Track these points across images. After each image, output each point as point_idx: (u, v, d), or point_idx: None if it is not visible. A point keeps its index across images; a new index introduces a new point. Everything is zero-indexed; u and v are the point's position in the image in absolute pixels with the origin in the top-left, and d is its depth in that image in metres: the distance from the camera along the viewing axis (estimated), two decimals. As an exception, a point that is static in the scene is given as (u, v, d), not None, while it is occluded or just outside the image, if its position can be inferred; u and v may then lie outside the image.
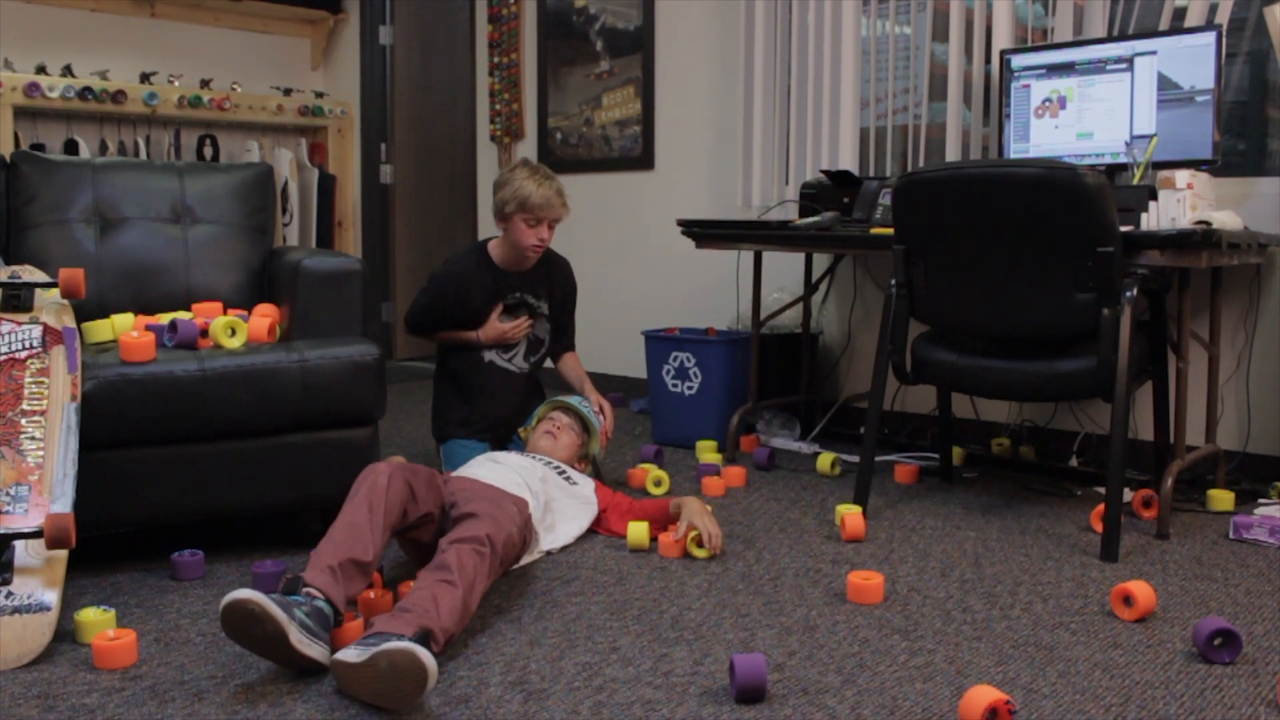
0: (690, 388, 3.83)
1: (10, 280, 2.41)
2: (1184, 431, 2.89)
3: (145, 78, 5.13)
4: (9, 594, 1.97)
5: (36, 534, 1.98)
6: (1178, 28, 3.18)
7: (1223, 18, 3.13)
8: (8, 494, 2.05)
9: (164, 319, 2.67)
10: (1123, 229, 2.62)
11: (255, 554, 2.55)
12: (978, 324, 2.81)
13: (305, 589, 1.88)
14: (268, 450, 2.49)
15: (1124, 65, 3.16)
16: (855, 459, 3.13)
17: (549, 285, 3.34)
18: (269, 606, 1.77)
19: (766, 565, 2.49)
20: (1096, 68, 3.21)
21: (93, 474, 2.25)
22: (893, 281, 2.90)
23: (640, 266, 4.72)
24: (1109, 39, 3.23)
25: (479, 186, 5.36)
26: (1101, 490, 2.97)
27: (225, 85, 5.43)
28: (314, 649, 1.83)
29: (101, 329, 2.68)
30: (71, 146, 4.91)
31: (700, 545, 2.53)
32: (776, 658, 1.95)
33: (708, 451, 3.64)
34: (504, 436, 3.25)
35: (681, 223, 3.74)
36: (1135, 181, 3.04)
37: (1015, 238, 2.65)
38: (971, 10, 3.70)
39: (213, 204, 3.05)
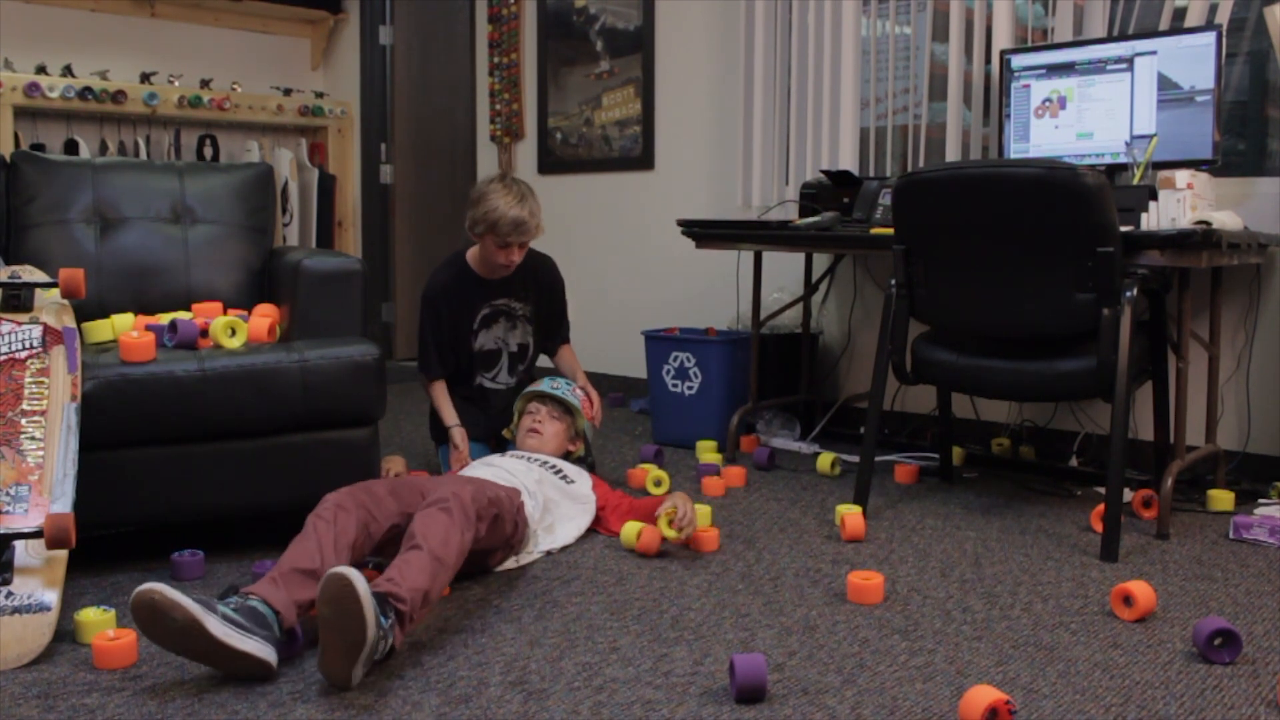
0: (690, 388, 3.83)
1: (10, 280, 2.41)
2: (1184, 431, 2.89)
3: (145, 78, 5.13)
4: (9, 594, 1.97)
5: (36, 534, 1.98)
6: (1178, 28, 3.18)
7: (1223, 18, 3.13)
8: (8, 494, 2.05)
9: (164, 319, 2.67)
10: (1123, 229, 2.62)
11: (255, 554, 2.55)
12: (978, 324, 2.81)
13: (236, 595, 1.85)
14: (268, 450, 2.49)
15: (1124, 65, 3.16)
16: (855, 459, 3.13)
17: (530, 289, 3.32)
18: (174, 595, 1.71)
19: (766, 565, 2.49)
20: (1096, 68, 3.21)
21: (93, 474, 2.25)
22: (893, 281, 2.90)
23: (640, 266, 4.72)
24: (1109, 39, 3.23)
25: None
26: (1101, 490, 2.97)
27: (225, 85, 5.43)
28: (247, 642, 1.77)
29: (101, 329, 2.68)
30: (71, 146, 4.91)
31: (671, 524, 2.50)
32: (776, 658, 1.95)
33: (708, 451, 3.64)
34: (503, 442, 3.24)
35: (681, 223, 3.74)
36: (1135, 181, 3.04)
37: (1015, 238, 2.65)
38: (971, 10, 3.70)
39: (213, 204, 3.05)
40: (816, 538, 2.72)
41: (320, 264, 2.79)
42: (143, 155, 5.11)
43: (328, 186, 5.66)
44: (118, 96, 4.94)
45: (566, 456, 2.97)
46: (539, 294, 3.36)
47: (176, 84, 5.21)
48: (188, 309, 2.83)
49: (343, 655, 1.75)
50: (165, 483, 2.40)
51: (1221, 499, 2.96)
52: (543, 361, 3.48)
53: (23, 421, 2.16)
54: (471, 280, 3.25)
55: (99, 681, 1.84)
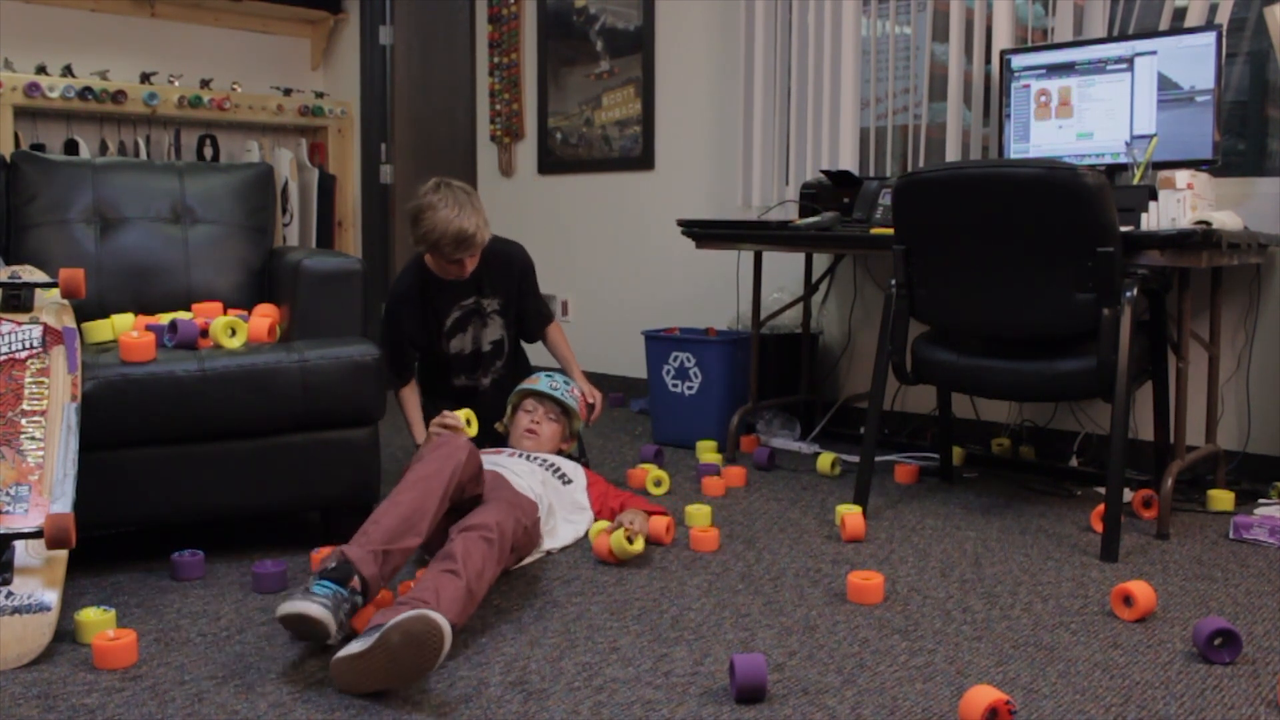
0: (690, 388, 3.83)
1: (10, 280, 2.41)
2: (1184, 431, 2.89)
3: (145, 78, 5.13)
4: (9, 594, 1.97)
5: (37, 534, 1.98)
6: (1178, 28, 3.18)
7: (1223, 18, 3.13)
8: (8, 494, 2.05)
9: (164, 319, 2.67)
10: (1123, 229, 2.62)
11: (255, 554, 2.55)
12: (978, 324, 2.81)
13: (350, 584, 1.90)
14: (268, 450, 2.49)
15: (1124, 65, 3.16)
16: (855, 459, 3.13)
17: (498, 282, 3.22)
18: (327, 625, 1.83)
19: (767, 565, 2.49)
20: (1096, 68, 3.21)
21: (93, 474, 2.25)
22: (893, 281, 2.90)
23: (640, 266, 4.72)
24: (1109, 39, 3.23)
25: (479, 187, 5.36)
26: (1101, 490, 2.97)
27: (225, 85, 5.43)
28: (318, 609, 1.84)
29: (101, 329, 2.68)
30: (72, 146, 4.91)
31: (630, 541, 2.45)
32: (776, 658, 1.95)
33: (708, 451, 3.64)
34: (497, 439, 3.18)
35: (681, 223, 3.74)
36: (1135, 181, 3.04)
37: (1015, 238, 2.65)
38: (971, 10, 3.70)
39: (213, 204, 3.05)
40: (816, 538, 2.72)
41: (320, 264, 2.79)
42: (143, 155, 5.11)
43: (328, 186, 5.65)
44: (118, 96, 4.94)
45: (558, 454, 2.97)
46: (507, 286, 3.24)
47: (176, 84, 5.21)
48: (188, 309, 2.83)
49: (380, 679, 1.76)
50: (165, 483, 2.40)
51: (1221, 499, 2.96)
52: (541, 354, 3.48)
53: (23, 421, 2.16)
54: (433, 285, 3.15)
55: (99, 681, 1.84)
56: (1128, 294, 2.57)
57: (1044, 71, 3.32)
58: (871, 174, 3.91)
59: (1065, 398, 2.93)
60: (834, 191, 3.65)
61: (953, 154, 3.72)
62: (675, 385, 3.87)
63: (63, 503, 2.06)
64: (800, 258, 4.00)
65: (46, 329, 2.33)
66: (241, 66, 5.61)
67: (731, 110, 4.33)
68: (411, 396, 3.22)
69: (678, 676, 1.87)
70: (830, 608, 2.21)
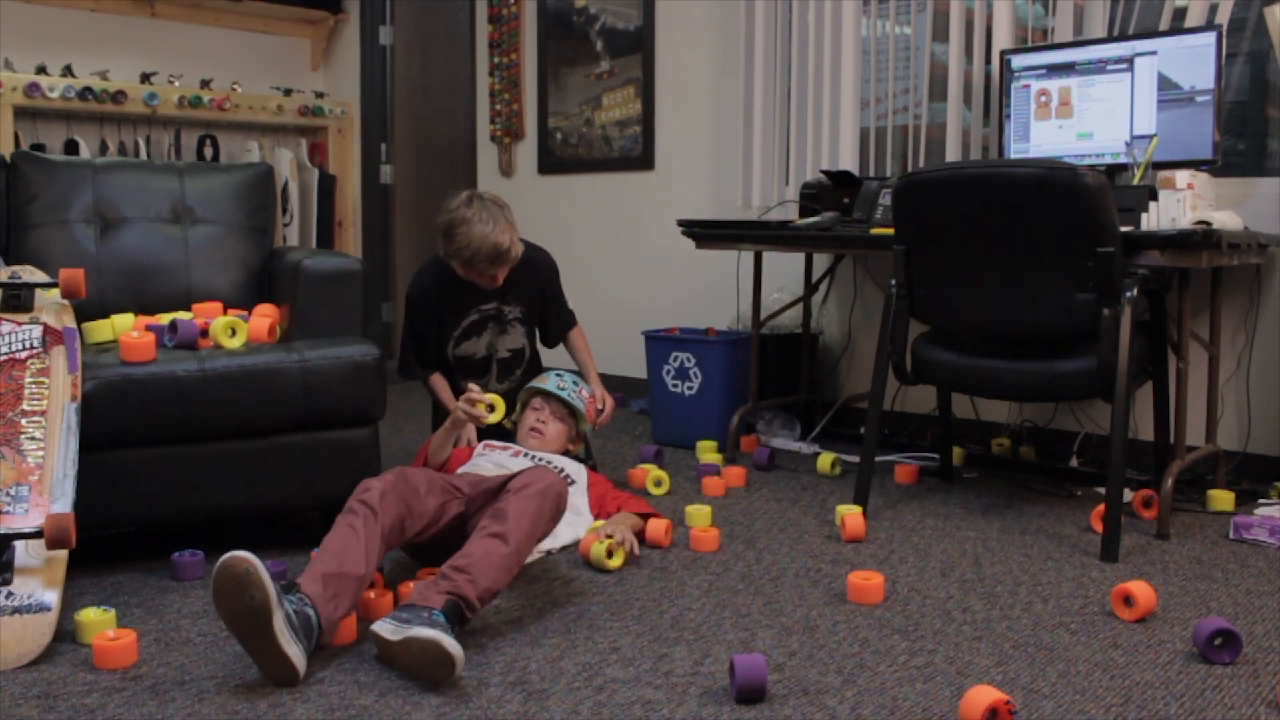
0: (690, 388, 3.83)
1: (10, 280, 2.41)
2: (1184, 432, 2.89)
3: (145, 78, 5.13)
4: (9, 594, 1.97)
5: (37, 534, 1.98)
6: (1178, 28, 3.18)
7: (1223, 18, 3.13)
8: (8, 494, 2.05)
9: (164, 319, 2.67)
10: (1123, 229, 2.62)
11: (255, 554, 2.54)
12: (978, 324, 2.81)
13: (299, 593, 1.86)
14: (268, 450, 2.49)
15: (1124, 65, 3.16)
16: (855, 459, 3.13)
17: (522, 290, 3.17)
18: (263, 574, 1.72)
19: (767, 565, 2.49)
20: (1097, 68, 3.21)
21: (93, 474, 2.25)
22: (893, 282, 2.90)
23: (640, 266, 4.72)
24: (1109, 39, 3.24)
25: (479, 187, 5.36)
26: (1101, 490, 2.97)
27: (225, 85, 5.43)
28: (292, 647, 1.78)
29: (102, 329, 2.68)
30: (72, 147, 4.91)
31: (610, 555, 2.42)
32: (777, 658, 1.95)
33: (708, 452, 3.64)
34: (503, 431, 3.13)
35: (682, 223, 3.74)
36: (1135, 182, 3.04)
37: (1015, 238, 2.65)
38: (971, 10, 3.70)
39: (213, 204, 3.05)
40: (817, 538, 2.72)
41: (320, 264, 2.79)
42: (143, 155, 5.11)
43: (328, 187, 5.65)
44: (118, 97, 4.94)
45: (564, 455, 2.97)
46: (532, 294, 3.20)
47: (176, 84, 5.21)
48: (188, 309, 2.83)
49: (402, 669, 1.86)
50: (165, 483, 2.40)
51: (1222, 499, 2.96)
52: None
53: (23, 421, 2.16)
54: (456, 284, 3.07)
55: (99, 682, 1.84)
56: (1128, 294, 2.57)
57: (1044, 71, 3.32)
58: (871, 174, 3.91)
59: (1065, 398, 2.92)
60: (834, 191, 3.65)
61: (953, 154, 3.72)
62: (675, 385, 3.87)
63: (63, 503, 2.06)
64: (800, 258, 4.00)
65: (47, 329, 2.33)
66: (242, 66, 5.61)
67: (731, 110, 4.33)
68: (440, 380, 3.16)
69: (678, 676, 1.87)
70: (830, 608, 2.21)
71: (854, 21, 3.92)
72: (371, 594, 2.14)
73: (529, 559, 2.49)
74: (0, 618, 1.93)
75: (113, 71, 5.08)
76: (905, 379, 2.98)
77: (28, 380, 2.23)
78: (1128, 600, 2.14)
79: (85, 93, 4.84)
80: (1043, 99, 3.33)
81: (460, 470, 2.68)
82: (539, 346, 3.37)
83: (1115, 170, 3.21)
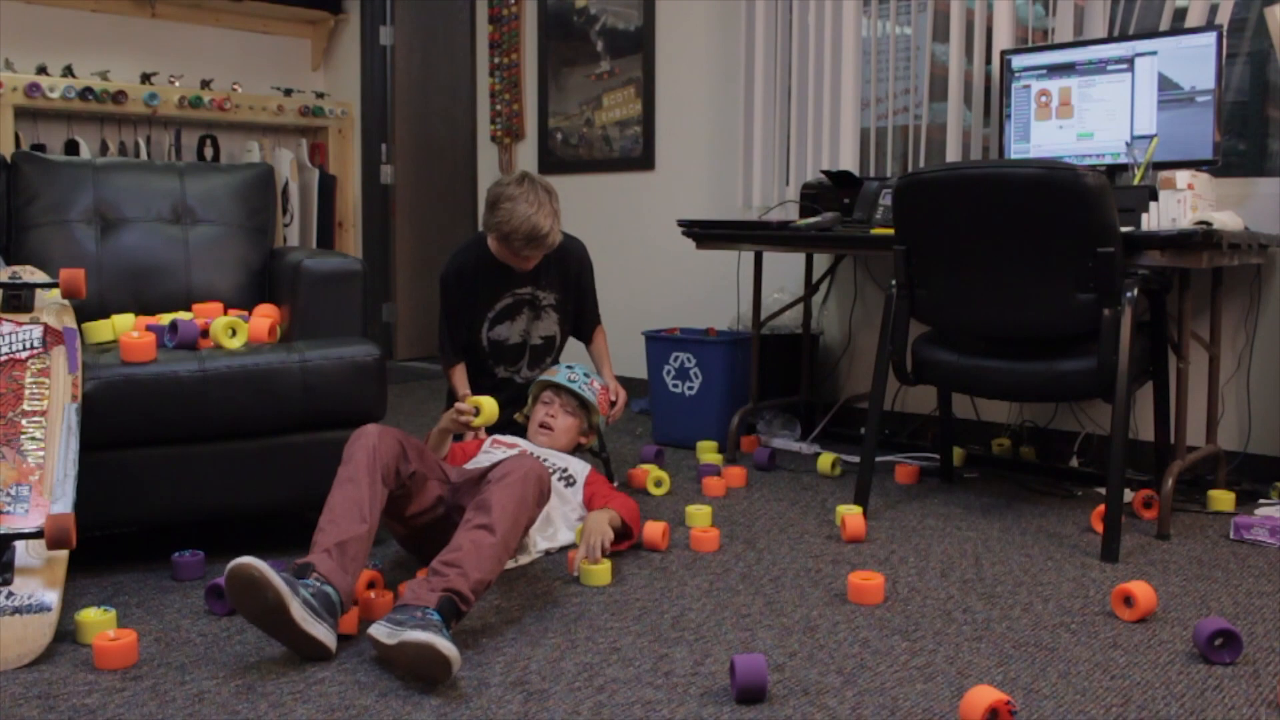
0: (691, 388, 3.83)
1: (11, 281, 2.41)
2: (1184, 432, 2.89)
3: (146, 78, 5.13)
4: (10, 594, 1.97)
5: (37, 534, 1.99)
6: (1178, 28, 3.18)
7: (1223, 18, 3.13)
8: (8, 494, 2.05)
9: (164, 319, 2.67)
10: (1123, 229, 2.62)
11: (255, 554, 2.54)
12: (978, 324, 2.81)
13: (314, 574, 1.93)
14: (268, 450, 2.49)
15: (1125, 66, 3.16)
16: (856, 459, 3.13)
17: (556, 277, 3.18)
18: (270, 575, 1.82)
19: (767, 565, 2.49)
20: (1097, 68, 3.21)
21: (93, 474, 2.25)
22: (893, 282, 2.90)
23: (640, 267, 4.72)
24: (1109, 39, 3.24)
25: (479, 187, 5.36)
26: (1102, 491, 2.97)
27: (226, 86, 5.43)
28: (318, 629, 1.87)
29: (102, 329, 2.68)
30: (72, 147, 4.91)
31: (595, 562, 2.40)
32: (777, 658, 1.95)
33: (708, 452, 3.64)
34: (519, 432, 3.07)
35: (682, 223, 3.74)
36: (1136, 182, 3.04)
37: (1016, 238, 2.65)
38: (972, 10, 3.70)
39: (213, 204, 3.05)
40: (817, 538, 2.72)
41: (320, 264, 2.79)
42: (143, 156, 5.11)
43: (328, 187, 5.66)
44: (118, 97, 4.94)
45: (577, 449, 2.93)
46: (565, 282, 3.21)
47: (177, 84, 5.21)
48: (188, 309, 2.83)
49: (399, 672, 1.87)
50: (165, 483, 2.40)
51: (1222, 499, 2.96)
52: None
53: (23, 422, 2.16)
54: (492, 265, 3.08)
55: (99, 682, 1.84)
56: (1128, 294, 2.56)
57: (1044, 72, 3.32)
58: (872, 174, 3.91)
59: (1066, 398, 2.93)
60: (834, 192, 3.65)
61: (953, 154, 3.72)
62: (676, 385, 3.87)
63: (63, 503, 2.06)
64: (801, 258, 4.00)
65: (47, 329, 2.33)
66: (242, 67, 5.61)
67: (732, 110, 4.33)
68: (460, 373, 3.15)
69: (678, 677, 1.87)
70: (831, 608, 2.21)
71: (854, 21, 3.92)
72: (372, 594, 2.14)
73: (527, 559, 2.49)
74: (0, 618, 1.93)
75: (113, 72, 5.08)
76: (905, 379, 2.98)
77: (28, 380, 2.23)
78: (1128, 600, 2.14)
79: (86, 93, 4.85)
80: (1043, 99, 3.34)
81: (467, 465, 2.67)
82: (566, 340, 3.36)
83: (1115, 170, 3.21)
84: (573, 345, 3.43)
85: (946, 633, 2.08)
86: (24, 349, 2.29)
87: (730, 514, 2.94)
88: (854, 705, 1.76)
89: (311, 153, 5.74)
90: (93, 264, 2.84)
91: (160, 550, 2.54)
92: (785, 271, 4.13)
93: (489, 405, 2.72)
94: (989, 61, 3.64)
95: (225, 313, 2.79)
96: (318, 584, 1.92)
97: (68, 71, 4.97)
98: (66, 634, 2.02)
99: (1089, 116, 3.24)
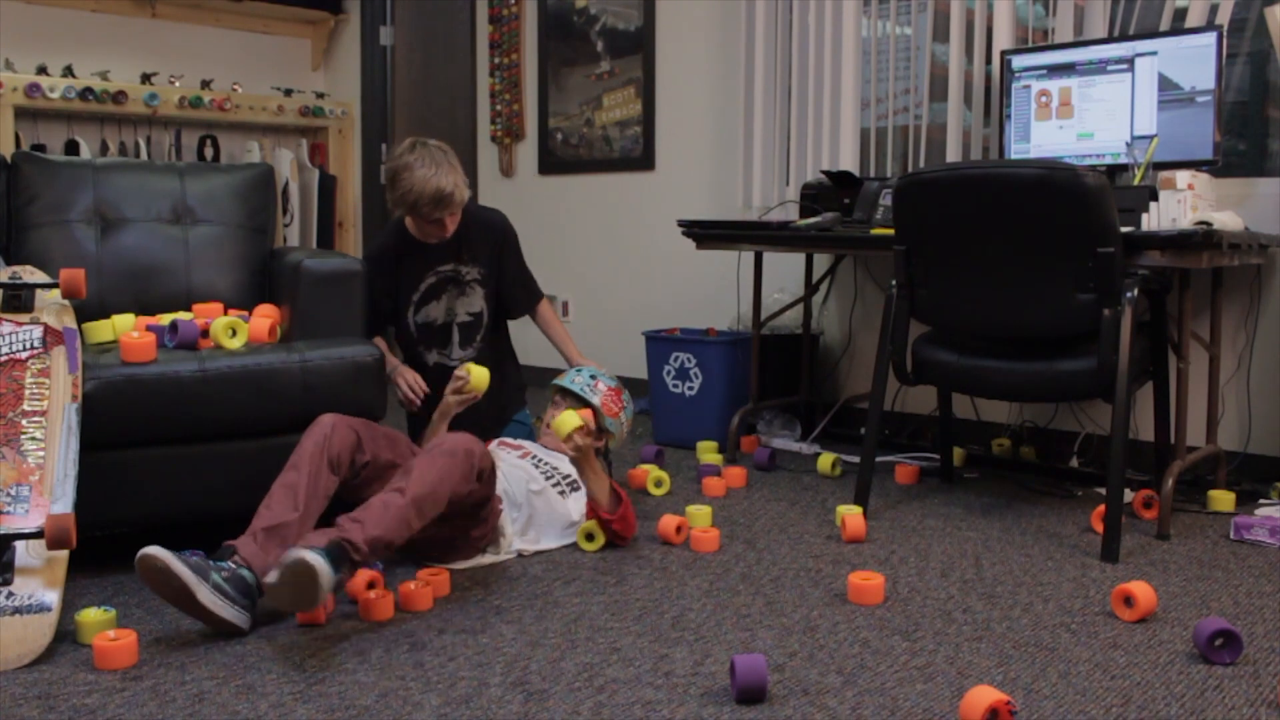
0: (691, 388, 3.83)
1: (11, 281, 2.41)
2: (1185, 432, 2.89)
3: (146, 78, 5.13)
4: (10, 594, 1.97)
5: (37, 534, 1.99)
6: (1178, 28, 3.18)
7: (1223, 18, 3.13)
8: (8, 494, 2.05)
9: (165, 319, 2.66)
10: (1123, 229, 2.62)
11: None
12: (978, 324, 2.81)
13: (234, 557, 2.06)
14: (268, 450, 2.49)
15: (1125, 66, 3.16)
16: (856, 459, 3.13)
17: (479, 249, 3.15)
18: (173, 564, 1.95)
19: (767, 566, 2.49)
20: (1097, 68, 3.21)
21: (93, 474, 2.25)
22: (893, 282, 2.90)
23: (640, 267, 4.72)
24: (1110, 39, 3.24)
25: (479, 187, 5.36)
26: (1102, 491, 2.97)
27: (226, 86, 5.43)
28: (227, 611, 2.00)
29: (102, 329, 2.68)
30: (72, 147, 4.91)
31: (590, 539, 2.59)
32: (777, 658, 1.95)
33: (708, 452, 3.64)
34: (480, 431, 2.91)
35: (682, 223, 3.74)
36: (1136, 182, 3.04)
37: (1016, 238, 2.65)
38: (972, 11, 3.70)
39: (213, 204, 3.05)
40: (817, 538, 2.72)
41: (321, 264, 2.79)
42: (143, 156, 5.11)
43: (328, 187, 5.66)
44: (118, 97, 4.94)
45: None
46: (488, 253, 3.17)
47: (177, 84, 5.21)
48: (188, 309, 2.83)
49: (287, 607, 2.00)
50: (165, 483, 2.40)
51: (1222, 499, 2.96)
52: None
53: (24, 422, 2.16)
54: (412, 246, 3.08)
55: (99, 682, 1.84)
56: (1128, 294, 2.56)
57: (1045, 72, 3.32)
58: (872, 174, 3.91)
59: (1066, 398, 2.92)
60: (834, 192, 3.65)
61: (953, 154, 3.72)
62: (676, 386, 3.87)
63: (63, 503, 2.06)
64: (801, 258, 4.00)
65: (47, 329, 2.33)
66: (242, 67, 5.61)
67: (732, 110, 4.33)
68: (378, 342, 3.00)
69: (678, 677, 1.87)
70: (831, 608, 2.21)
71: (854, 22, 3.92)
72: (372, 594, 2.14)
73: (493, 558, 2.48)
74: (1, 618, 1.93)
75: (113, 72, 5.08)
76: (905, 379, 2.98)
77: (28, 380, 2.23)
78: (1128, 601, 2.14)
79: (86, 93, 4.85)
80: (1043, 99, 3.34)
81: None
82: (505, 325, 3.31)
83: (1116, 170, 3.21)
84: (577, 337, 3.43)
85: (946, 633, 2.08)
86: (24, 349, 2.29)
87: (730, 514, 2.94)
88: (854, 705, 1.76)
89: (311, 153, 5.74)
90: (93, 264, 2.84)
91: (160, 550, 2.54)
92: (785, 271, 4.13)
93: (478, 369, 2.75)
94: (989, 61, 3.64)
95: (225, 313, 2.78)
96: (234, 568, 2.04)
97: (68, 71, 4.97)
98: (67, 634, 2.02)
99: (1089, 116, 3.24)
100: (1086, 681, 1.86)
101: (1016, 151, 3.40)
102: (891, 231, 2.94)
